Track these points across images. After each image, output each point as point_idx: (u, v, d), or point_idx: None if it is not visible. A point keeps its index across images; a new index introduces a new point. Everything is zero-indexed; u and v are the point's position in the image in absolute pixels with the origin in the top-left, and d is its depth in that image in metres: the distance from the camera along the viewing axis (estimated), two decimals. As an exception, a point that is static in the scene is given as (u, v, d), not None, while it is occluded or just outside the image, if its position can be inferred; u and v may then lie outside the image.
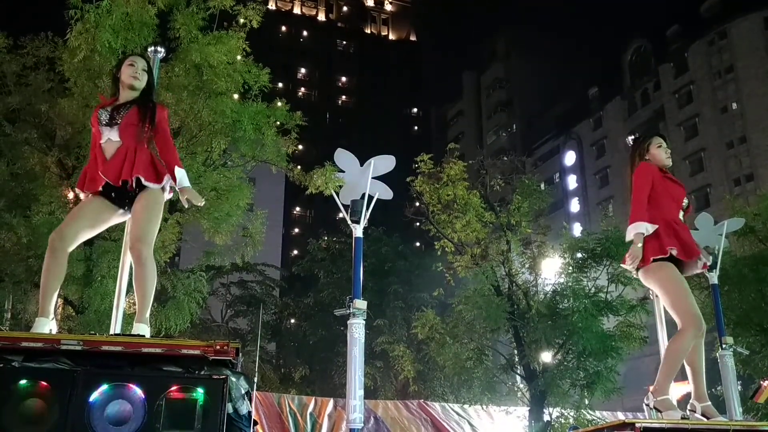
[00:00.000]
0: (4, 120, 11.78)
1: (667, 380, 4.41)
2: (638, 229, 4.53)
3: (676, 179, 4.85)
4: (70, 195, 3.62)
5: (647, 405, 4.45)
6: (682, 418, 4.22)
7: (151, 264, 3.92)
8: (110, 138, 4.03)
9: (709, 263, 4.89)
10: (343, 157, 5.58)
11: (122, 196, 4.02)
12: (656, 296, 5.00)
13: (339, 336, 23.46)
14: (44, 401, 3.07)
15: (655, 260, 4.52)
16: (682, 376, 4.84)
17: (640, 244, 4.50)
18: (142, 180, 3.95)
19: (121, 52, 9.81)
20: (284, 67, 58.95)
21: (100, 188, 4.00)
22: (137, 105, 4.11)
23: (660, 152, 4.82)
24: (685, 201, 4.84)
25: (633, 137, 5.34)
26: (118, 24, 10.24)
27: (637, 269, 4.62)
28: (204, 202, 4.37)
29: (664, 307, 4.81)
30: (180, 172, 4.13)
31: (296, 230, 57.23)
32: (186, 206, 4.35)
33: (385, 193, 5.42)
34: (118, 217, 4.11)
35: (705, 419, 4.33)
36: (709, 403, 4.46)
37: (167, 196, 4.13)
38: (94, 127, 4.13)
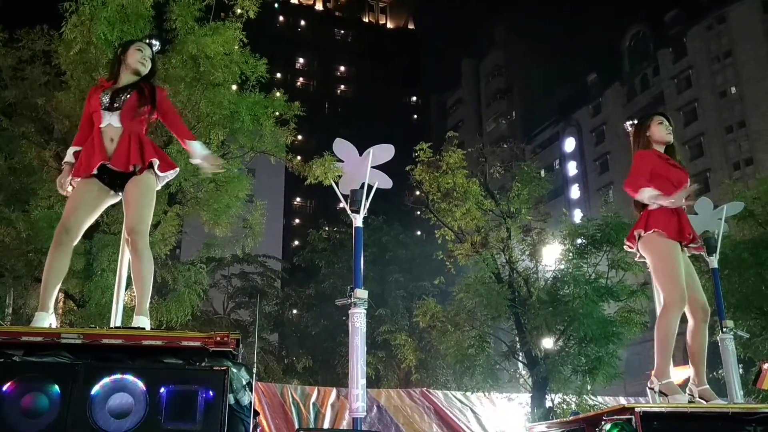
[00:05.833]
0: (1, 114, 11.74)
1: (666, 361, 4.40)
2: (649, 193, 4.49)
3: (678, 164, 4.76)
4: (69, 189, 3.61)
5: (652, 389, 4.43)
6: (689, 402, 4.22)
7: (148, 254, 3.89)
8: (111, 123, 3.98)
9: (702, 247, 4.86)
10: (342, 146, 5.56)
11: (115, 178, 3.98)
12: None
13: (341, 326, 23.47)
14: (45, 395, 3.06)
15: (656, 231, 4.50)
16: (683, 361, 4.83)
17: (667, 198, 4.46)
18: (155, 166, 3.96)
19: (117, 44, 9.77)
20: (282, 57, 58.66)
21: (94, 171, 3.94)
22: (136, 89, 4.08)
23: (660, 128, 4.78)
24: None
25: (631, 122, 5.29)
26: (113, 16, 10.20)
27: (639, 237, 4.59)
28: (224, 169, 4.46)
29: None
30: (196, 144, 4.26)
31: (297, 221, 57.15)
32: (209, 172, 4.43)
33: (384, 182, 5.41)
34: (111, 199, 4.07)
35: (704, 402, 4.34)
36: (707, 386, 4.45)
37: (159, 186, 4.11)
38: (94, 110, 4.05)
